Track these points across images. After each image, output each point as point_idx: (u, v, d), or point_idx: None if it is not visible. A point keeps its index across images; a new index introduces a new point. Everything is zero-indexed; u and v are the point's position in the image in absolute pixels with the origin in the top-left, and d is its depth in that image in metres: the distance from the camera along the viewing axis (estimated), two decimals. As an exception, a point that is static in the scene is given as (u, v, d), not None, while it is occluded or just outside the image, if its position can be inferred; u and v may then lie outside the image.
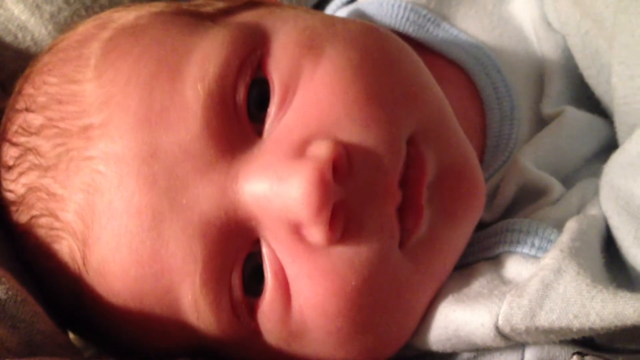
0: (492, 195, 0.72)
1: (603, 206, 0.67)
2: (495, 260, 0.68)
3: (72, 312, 0.68)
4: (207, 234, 0.59)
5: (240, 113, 0.61)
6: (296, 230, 0.59)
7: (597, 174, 0.70)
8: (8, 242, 0.69)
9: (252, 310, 0.62)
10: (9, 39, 0.78)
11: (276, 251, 0.61)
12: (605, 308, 0.58)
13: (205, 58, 0.61)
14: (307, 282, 0.60)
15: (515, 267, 0.66)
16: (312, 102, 0.61)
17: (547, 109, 0.76)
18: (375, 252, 0.60)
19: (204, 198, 0.59)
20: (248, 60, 0.62)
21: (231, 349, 0.64)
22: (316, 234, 0.58)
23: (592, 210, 0.68)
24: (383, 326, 0.64)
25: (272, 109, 0.62)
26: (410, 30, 0.81)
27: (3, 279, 0.61)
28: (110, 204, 0.60)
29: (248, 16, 0.68)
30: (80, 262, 0.63)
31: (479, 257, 0.69)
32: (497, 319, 0.61)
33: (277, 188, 0.58)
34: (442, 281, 0.66)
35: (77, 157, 0.62)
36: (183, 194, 0.59)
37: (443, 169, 0.63)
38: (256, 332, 0.63)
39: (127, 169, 0.60)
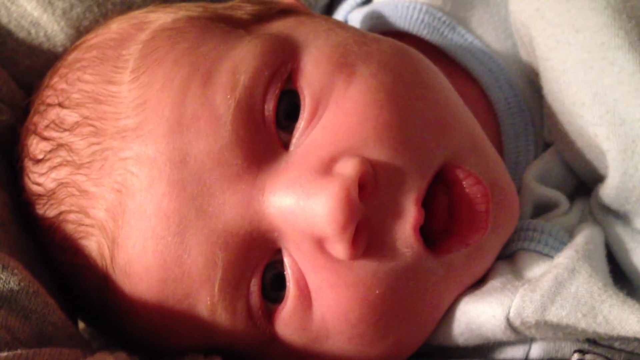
0: None
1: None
2: (510, 258, 0.70)
3: (93, 306, 0.69)
4: (230, 242, 0.61)
5: (269, 124, 0.62)
6: (319, 243, 0.60)
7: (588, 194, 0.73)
8: (23, 235, 0.70)
9: (271, 316, 0.63)
10: (22, 35, 0.79)
11: (298, 261, 0.62)
12: (612, 313, 0.60)
13: (237, 68, 0.62)
14: (330, 292, 0.62)
15: (529, 264, 0.67)
16: (342, 120, 0.62)
17: (548, 134, 0.76)
18: (398, 265, 0.61)
19: (229, 207, 0.61)
20: (278, 72, 0.63)
21: (247, 351, 0.66)
22: (340, 249, 0.59)
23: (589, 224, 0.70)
24: (406, 330, 0.65)
25: (300, 123, 0.63)
26: (424, 33, 0.81)
27: (16, 271, 0.62)
28: (141, 205, 0.61)
29: (280, 26, 0.68)
30: (108, 260, 0.64)
31: None
32: (509, 311, 0.63)
33: (303, 204, 0.59)
34: (469, 285, 0.67)
35: (112, 157, 0.63)
36: (209, 202, 0.60)
37: (489, 187, 0.64)
38: (274, 337, 0.64)
39: (158, 173, 0.61)
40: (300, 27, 0.68)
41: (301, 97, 0.63)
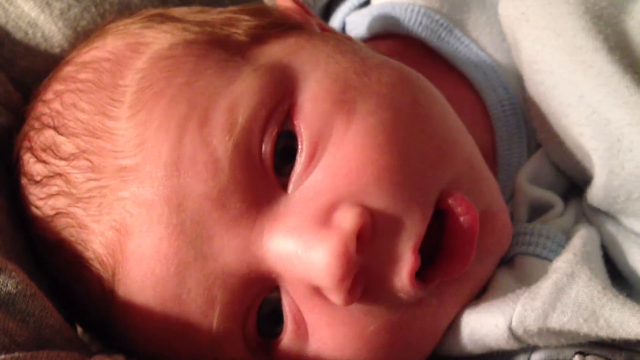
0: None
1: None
2: (509, 263, 0.70)
3: (96, 325, 0.70)
4: (228, 283, 0.61)
5: (267, 166, 0.62)
6: (316, 289, 0.60)
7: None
8: (20, 239, 0.70)
9: (269, 348, 0.64)
10: (19, 35, 0.78)
11: (295, 300, 0.62)
12: (613, 316, 0.60)
13: (234, 107, 0.61)
14: (326, 329, 0.62)
15: (529, 268, 0.67)
16: (341, 164, 0.61)
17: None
18: (393, 305, 0.62)
19: (228, 250, 0.60)
20: (276, 111, 0.62)
21: None
22: (336, 298, 0.59)
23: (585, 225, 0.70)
24: (403, 357, 0.65)
25: (298, 166, 0.62)
26: (423, 35, 0.81)
27: (13, 273, 0.62)
28: (139, 247, 0.61)
29: (279, 52, 0.67)
30: (108, 291, 0.64)
31: None
32: (511, 321, 0.62)
33: (302, 254, 0.59)
34: (465, 305, 0.67)
35: (110, 196, 0.62)
36: (208, 245, 0.60)
37: (481, 213, 0.64)
38: None
39: (156, 216, 0.60)
40: (299, 53, 0.66)
41: (299, 139, 0.62)
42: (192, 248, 0.60)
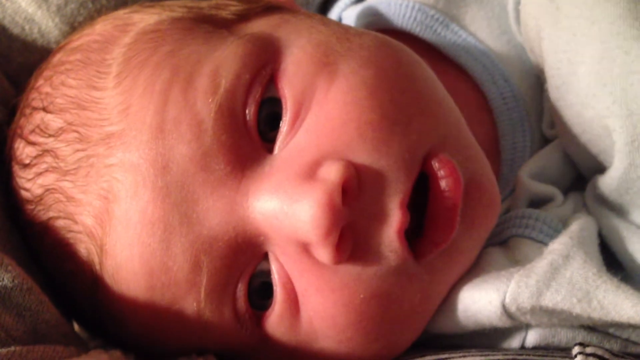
0: (506, 210, 0.74)
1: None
2: (504, 245, 0.70)
3: (86, 310, 0.69)
4: (215, 248, 0.61)
5: (251, 128, 0.62)
6: (305, 247, 0.60)
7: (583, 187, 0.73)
8: (16, 234, 0.70)
9: (259, 320, 0.63)
10: (16, 31, 0.79)
11: (284, 265, 0.62)
12: (606, 298, 0.60)
13: (217, 71, 0.62)
14: (316, 296, 0.62)
15: (524, 250, 0.68)
16: (324, 122, 0.61)
17: (548, 129, 0.76)
18: (382, 269, 0.61)
19: (213, 213, 0.60)
20: (260, 75, 0.62)
21: (239, 352, 0.66)
22: (324, 254, 0.59)
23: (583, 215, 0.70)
24: (395, 333, 0.65)
25: (283, 127, 0.62)
26: (417, 30, 0.81)
27: (10, 267, 0.62)
28: (127, 212, 0.61)
29: (263, 25, 0.68)
30: (97, 266, 0.64)
31: (488, 242, 0.70)
32: (505, 297, 0.63)
33: (287, 209, 0.59)
34: (457, 281, 0.67)
35: (97, 164, 0.63)
36: (193, 208, 0.60)
37: (466, 180, 0.64)
38: (264, 340, 0.64)
39: (142, 180, 0.61)
40: (283, 26, 0.67)
41: (283, 100, 0.63)
42: (178, 212, 0.60)
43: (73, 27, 0.79)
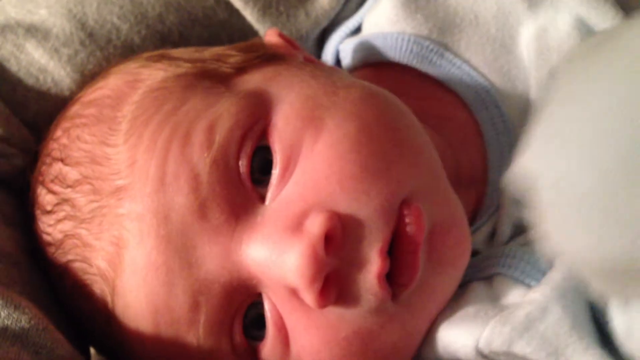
0: (492, 233, 0.76)
1: None
2: (488, 281, 0.73)
3: (102, 340, 0.75)
4: (212, 289, 0.66)
5: (244, 180, 0.67)
6: (294, 291, 0.65)
7: None
8: (35, 273, 0.75)
9: (254, 352, 0.69)
10: (31, 81, 0.84)
11: (276, 304, 0.67)
12: (573, 357, 0.62)
13: (212, 128, 0.66)
14: (303, 333, 0.66)
15: (506, 290, 0.70)
16: (310, 175, 0.66)
17: None
18: (364, 309, 0.65)
19: (210, 258, 0.65)
20: (251, 131, 0.67)
21: None
22: (309, 299, 0.63)
23: None
24: None
25: (273, 179, 0.67)
26: (414, 62, 0.84)
27: (27, 310, 0.67)
28: (134, 258, 0.67)
29: (257, 79, 0.72)
30: (110, 304, 0.70)
31: (473, 277, 0.73)
32: (478, 343, 0.66)
33: (275, 258, 0.64)
34: (435, 316, 0.70)
35: (109, 214, 0.68)
36: (192, 254, 0.65)
37: (433, 225, 0.67)
38: None
39: (147, 229, 0.66)
40: (276, 80, 0.71)
41: (273, 154, 0.67)
42: (178, 257, 0.65)
43: (83, 74, 0.84)
